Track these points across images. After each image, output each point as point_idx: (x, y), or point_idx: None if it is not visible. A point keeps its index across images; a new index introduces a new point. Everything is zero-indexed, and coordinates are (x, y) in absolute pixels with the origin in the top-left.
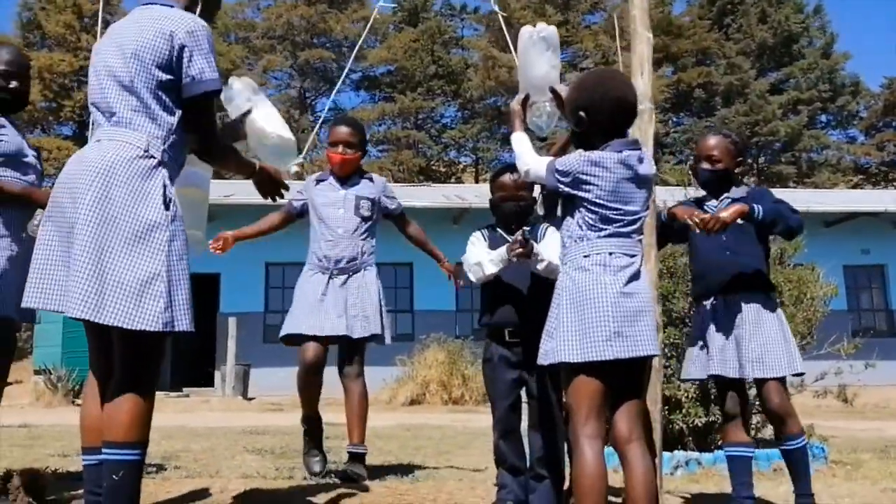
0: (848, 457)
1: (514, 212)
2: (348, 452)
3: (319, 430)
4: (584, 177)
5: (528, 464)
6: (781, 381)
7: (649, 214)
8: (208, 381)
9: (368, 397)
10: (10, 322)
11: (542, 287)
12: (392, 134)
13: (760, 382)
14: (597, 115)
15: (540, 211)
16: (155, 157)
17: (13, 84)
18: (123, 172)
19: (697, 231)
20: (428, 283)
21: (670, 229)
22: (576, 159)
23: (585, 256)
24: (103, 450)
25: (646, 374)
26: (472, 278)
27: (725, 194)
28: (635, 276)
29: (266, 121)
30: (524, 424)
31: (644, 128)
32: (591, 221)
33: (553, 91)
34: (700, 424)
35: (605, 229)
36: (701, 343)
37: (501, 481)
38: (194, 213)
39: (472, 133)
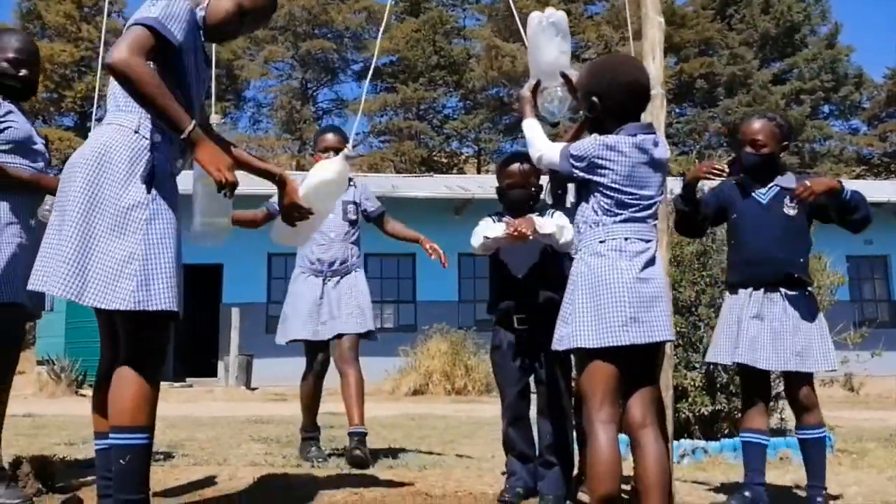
0: (853, 445)
1: (522, 199)
2: (350, 434)
3: (317, 438)
4: (600, 161)
5: (536, 451)
6: (812, 374)
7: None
8: (212, 372)
9: (370, 385)
10: (19, 309)
11: (551, 273)
12: (394, 124)
13: (793, 374)
14: (610, 99)
15: (548, 199)
16: (146, 138)
17: (23, 72)
18: (114, 155)
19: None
20: (431, 274)
21: (695, 208)
22: (591, 144)
23: (601, 242)
24: (110, 435)
25: (660, 359)
26: (474, 243)
27: (773, 182)
28: (651, 262)
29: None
30: (532, 411)
31: (656, 113)
32: (606, 206)
33: (564, 76)
34: (706, 413)
35: (621, 214)
36: (732, 329)
37: (510, 468)
38: (215, 200)
39: (474, 124)
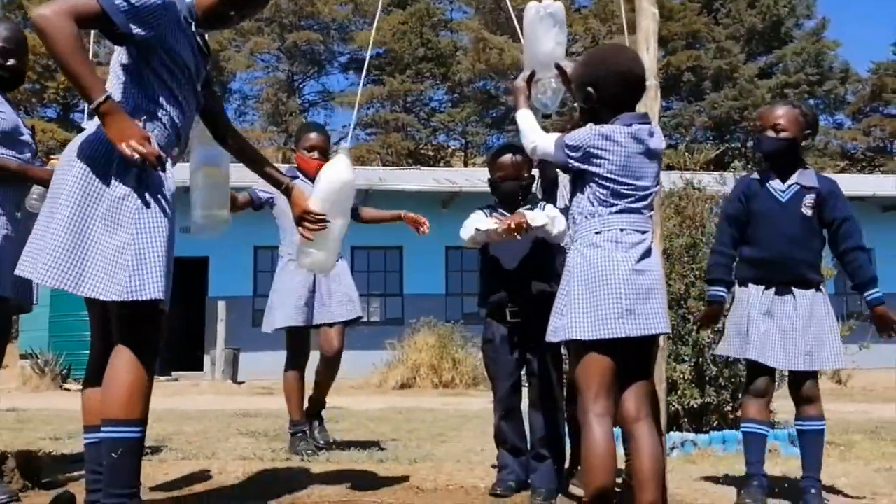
0: (841, 438)
1: (514, 191)
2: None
3: (307, 431)
4: (596, 151)
5: (528, 444)
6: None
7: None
8: (198, 366)
9: (357, 379)
10: (4, 302)
11: (543, 265)
12: (381, 117)
13: (801, 371)
14: (604, 90)
15: (538, 193)
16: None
17: (10, 62)
18: (107, 146)
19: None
20: (418, 267)
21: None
22: (586, 133)
23: (597, 233)
24: (102, 428)
25: (654, 352)
26: (464, 234)
27: (794, 179)
28: (647, 254)
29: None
30: (524, 404)
31: (650, 104)
32: (602, 197)
33: (559, 67)
34: (696, 406)
35: (617, 205)
36: (742, 324)
37: (502, 462)
38: (216, 192)
39: (461, 117)
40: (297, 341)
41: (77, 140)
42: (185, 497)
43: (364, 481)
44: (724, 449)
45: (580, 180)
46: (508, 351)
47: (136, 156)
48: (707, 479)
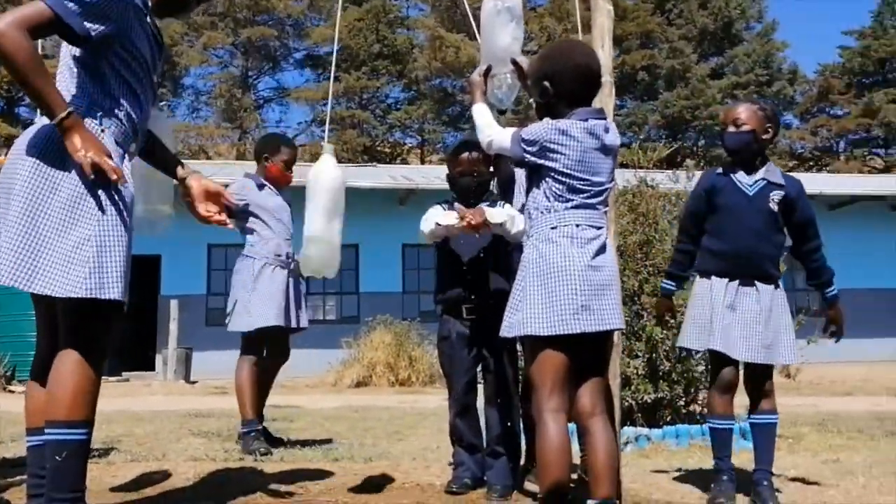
0: (789, 430)
1: (471, 186)
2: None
3: (260, 430)
4: (552, 145)
5: (484, 441)
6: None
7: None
8: (149, 365)
9: (313, 377)
10: None
11: (500, 262)
12: (336, 113)
13: (759, 365)
14: (561, 84)
15: (495, 190)
16: (96, 122)
17: None
18: (59, 139)
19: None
20: (374, 265)
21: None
22: (543, 127)
23: (553, 228)
24: (46, 430)
25: (609, 348)
26: (424, 228)
27: (760, 175)
28: (602, 249)
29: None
30: (480, 402)
31: (605, 101)
32: (557, 192)
33: (515, 63)
34: (649, 401)
35: (572, 200)
36: (705, 316)
37: (458, 459)
38: (159, 187)
39: (417, 114)
40: (277, 342)
41: (27, 134)
42: (134, 501)
43: (319, 480)
44: (677, 443)
45: (536, 175)
46: (465, 348)
47: (92, 174)
48: (661, 472)
